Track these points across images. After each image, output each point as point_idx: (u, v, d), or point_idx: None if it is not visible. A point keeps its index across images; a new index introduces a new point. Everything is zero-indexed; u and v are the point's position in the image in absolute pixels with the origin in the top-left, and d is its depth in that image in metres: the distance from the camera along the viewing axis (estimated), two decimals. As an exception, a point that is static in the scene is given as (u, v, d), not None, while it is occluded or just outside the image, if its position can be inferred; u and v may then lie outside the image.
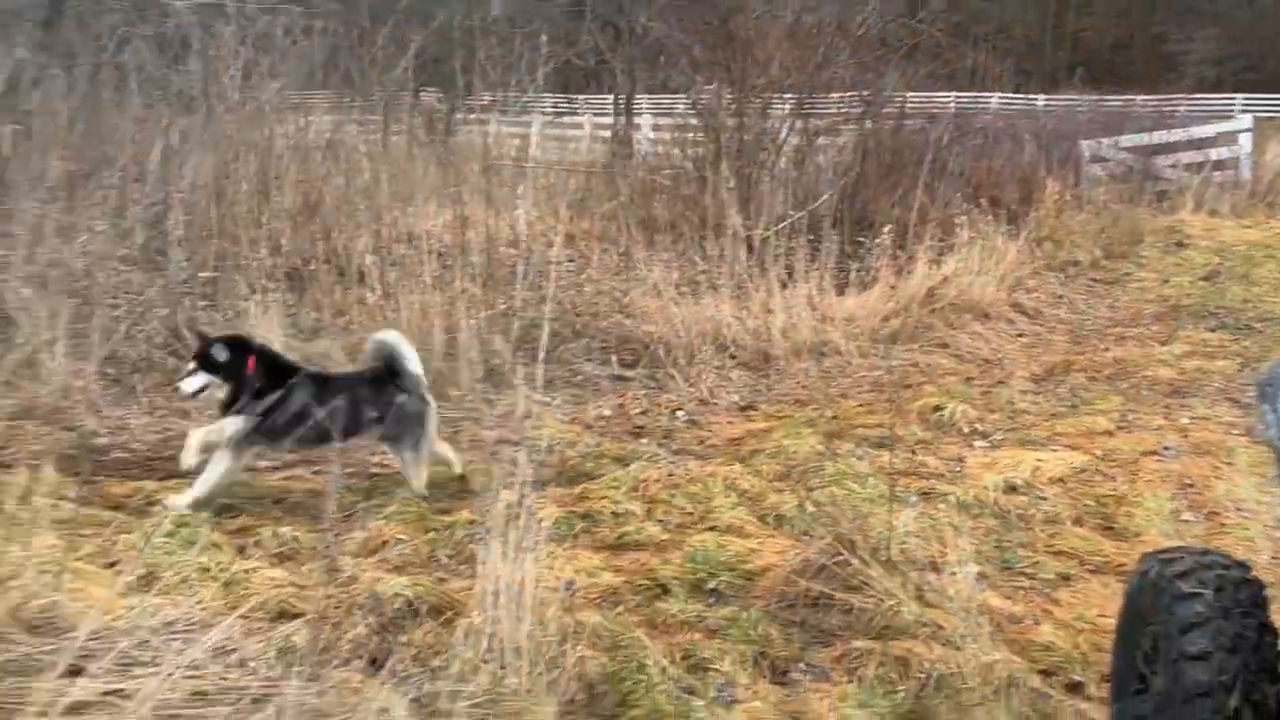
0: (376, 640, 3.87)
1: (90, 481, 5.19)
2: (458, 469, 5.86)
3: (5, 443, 5.63)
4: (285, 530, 4.82)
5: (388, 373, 5.70)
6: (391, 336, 5.93)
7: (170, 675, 3.24)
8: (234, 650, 3.59)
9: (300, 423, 5.16)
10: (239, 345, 5.57)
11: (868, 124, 12.41)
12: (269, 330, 7.04)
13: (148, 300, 7.25)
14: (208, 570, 4.34)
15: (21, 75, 9.28)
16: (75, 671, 3.23)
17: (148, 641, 3.53)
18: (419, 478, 5.55)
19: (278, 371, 5.55)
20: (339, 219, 9.12)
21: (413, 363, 5.72)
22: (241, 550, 4.61)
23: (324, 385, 5.59)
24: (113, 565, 4.40)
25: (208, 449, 5.16)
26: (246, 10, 10.24)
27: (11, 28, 10.49)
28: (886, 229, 9.68)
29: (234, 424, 5.23)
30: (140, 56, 10.56)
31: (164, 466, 5.59)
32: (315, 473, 5.62)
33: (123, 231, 7.79)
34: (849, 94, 12.71)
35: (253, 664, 3.57)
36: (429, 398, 5.76)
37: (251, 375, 5.34)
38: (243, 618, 3.82)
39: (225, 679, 3.41)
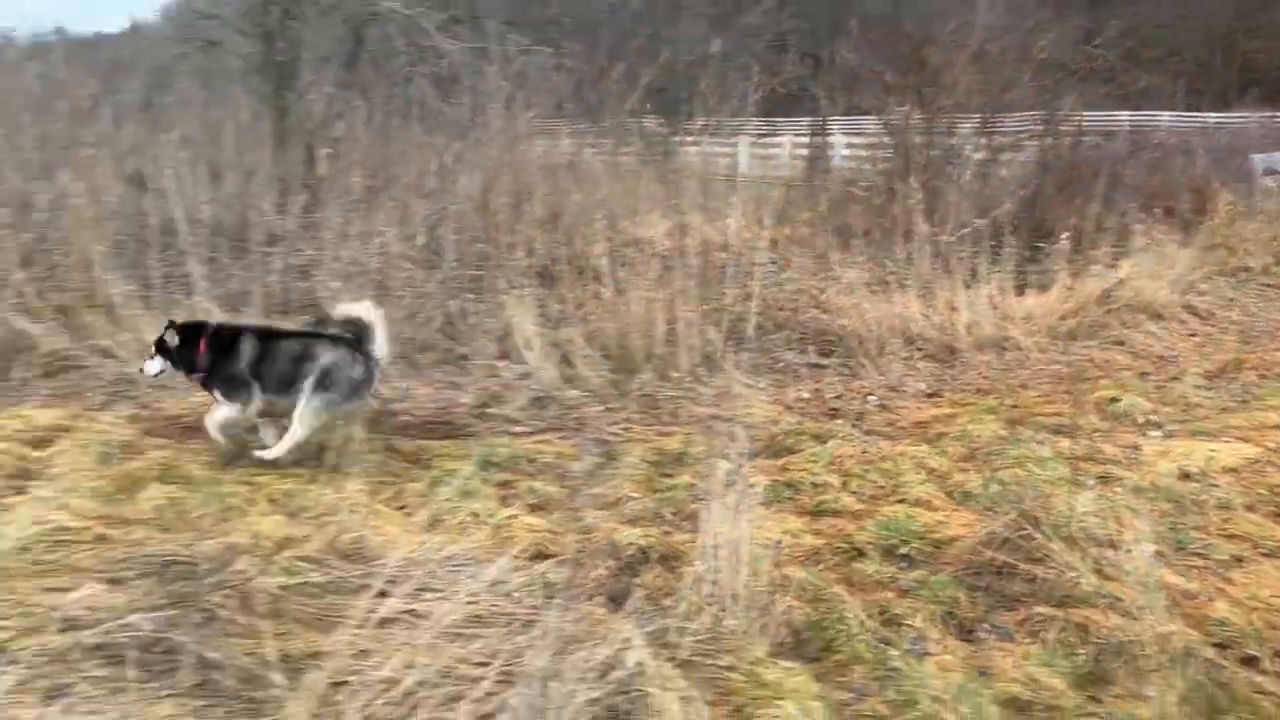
0: (615, 581, 3.99)
1: (385, 440, 5.52)
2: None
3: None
4: (539, 485, 5.00)
5: (356, 338, 5.41)
6: (361, 309, 5.57)
7: (458, 601, 3.45)
8: (502, 583, 3.76)
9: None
10: (192, 330, 5.40)
11: (1047, 141, 11.99)
12: (522, 318, 7.29)
13: (427, 293, 7.57)
14: (478, 516, 4.54)
15: (330, 108, 9.90)
16: (381, 594, 3.47)
17: (434, 572, 3.74)
18: (299, 427, 5.22)
19: (231, 342, 5.37)
20: (579, 227, 9.33)
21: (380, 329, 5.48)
22: (504, 500, 4.79)
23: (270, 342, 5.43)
24: (403, 509, 4.66)
25: (228, 428, 5.25)
26: (507, 52, 10.59)
27: (322, 69, 11.10)
28: (1064, 235, 9.32)
29: (223, 412, 5.23)
30: (421, 91, 11.10)
31: (442, 429, 5.87)
32: (562, 438, 5.79)
33: (407, 236, 8.17)
34: (1030, 113, 12.36)
35: (517, 595, 3.72)
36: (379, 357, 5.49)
37: (202, 355, 5.24)
38: (509, 556, 4.00)
39: (496, 606, 3.58)
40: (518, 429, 5.92)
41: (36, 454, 4.95)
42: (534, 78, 10.91)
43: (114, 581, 3.65)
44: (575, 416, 6.15)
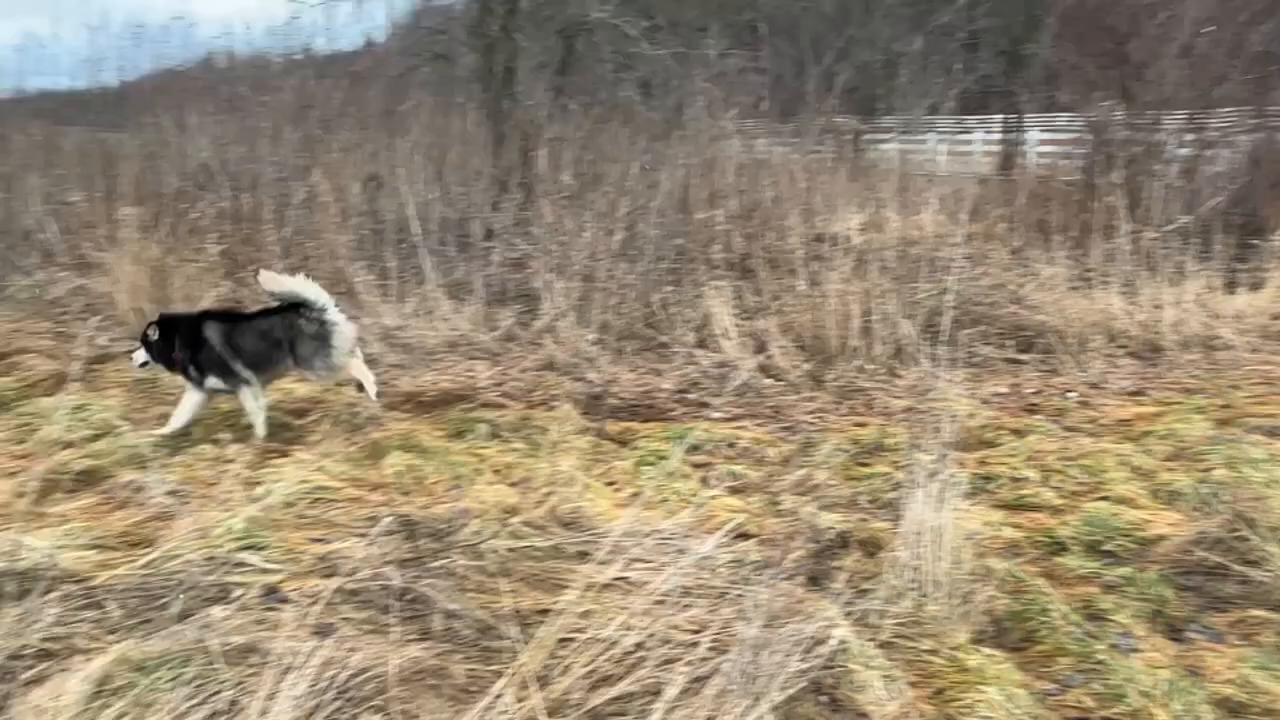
0: (815, 563, 3.98)
1: (594, 420, 5.68)
2: (371, 392, 5.48)
3: (533, 386, 6.25)
4: (738, 468, 5.03)
5: (292, 306, 5.38)
6: (288, 283, 5.46)
7: (668, 573, 3.52)
8: (709, 559, 3.81)
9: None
10: (168, 324, 5.45)
11: (1260, 136, 11.12)
12: (719, 309, 7.35)
13: (630, 285, 7.71)
14: (679, 494, 4.61)
15: (544, 112, 10.20)
16: (598, 561, 3.58)
17: (645, 545, 3.83)
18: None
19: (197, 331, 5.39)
20: (774, 221, 9.30)
21: (313, 293, 5.35)
22: (705, 481, 4.84)
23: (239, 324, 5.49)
24: (612, 484, 4.77)
25: (258, 410, 5.26)
26: (707, 56, 10.68)
27: (537, 77, 11.45)
28: (1278, 233, 8.63)
29: (249, 397, 5.30)
30: (627, 95, 11.32)
31: (645, 412, 5.96)
32: (758, 425, 5.80)
33: (610, 231, 8.32)
34: (1241, 108, 11.50)
35: (720, 570, 3.77)
36: (333, 318, 5.35)
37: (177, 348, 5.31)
38: (710, 533, 4.05)
39: (703, 580, 3.64)
40: (716, 414, 5.96)
41: (297, 422, 5.34)
42: (732, 79, 10.95)
43: (364, 536, 3.91)
44: (771, 404, 6.14)
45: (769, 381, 6.58)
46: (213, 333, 5.35)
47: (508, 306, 7.60)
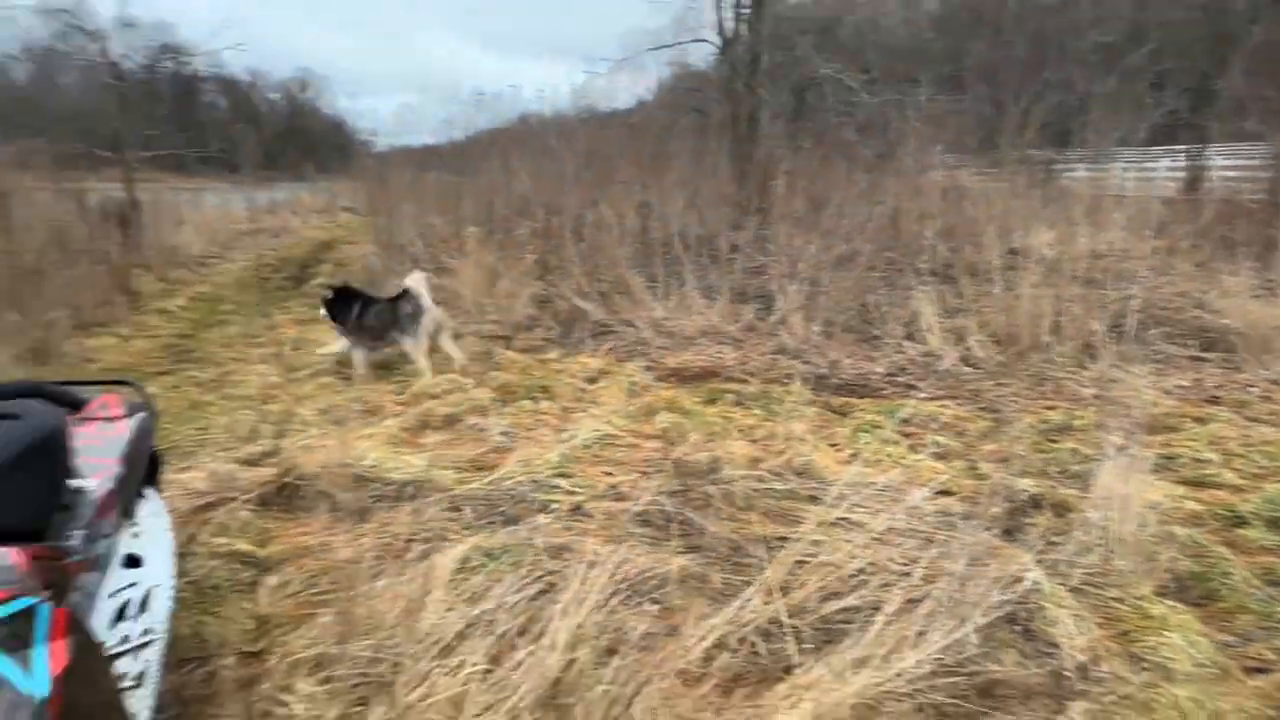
0: (1009, 518, 3.78)
1: (819, 395, 5.62)
2: (456, 364, 6.07)
3: (769, 367, 6.22)
4: (941, 439, 4.84)
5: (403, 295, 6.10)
6: (410, 279, 6.29)
7: (882, 517, 3.46)
8: (916, 508, 3.71)
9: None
10: (341, 292, 6.18)
11: None
12: (924, 308, 7.07)
13: (848, 289, 7.57)
14: (891, 456, 4.49)
15: (778, 151, 10.16)
16: (825, 504, 3.57)
17: (863, 493, 3.77)
18: (420, 360, 5.93)
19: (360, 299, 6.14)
20: (973, 237, 8.83)
21: (418, 286, 6.13)
22: (912, 448, 4.70)
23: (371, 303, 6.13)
24: (835, 446, 4.71)
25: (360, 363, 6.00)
26: (918, 101, 10.28)
27: (774, 122, 11.44)
28: None
29: (357, 354, 6.03)
30: (847, 135, 11.06)
31: (860, 390, 5.83)
32: (958, 404, 5.55)
33: (832, 246, 8.18)
34: None
35: (927, 518, 3.66)
36: (424, 306, 6.04)
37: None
38: (918, 488, 3.94)
39: (911, 525, 3.54)
40: (921, 394, 5.74)
41: (590, 386, 5.61)
42: (939, 119, 10.46)
43: (643, 473, 4.08)
44: (970, 388, 5.84)
45: (968, 369, 6.27)
46: (356, 306, 6.11)
47: (748, 304, 7.63)
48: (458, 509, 3.55)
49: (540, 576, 2.93)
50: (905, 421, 5.07)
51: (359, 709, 2.17)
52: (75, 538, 1.89)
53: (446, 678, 2.27)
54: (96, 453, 2.24)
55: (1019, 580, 2.96)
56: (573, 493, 3.79)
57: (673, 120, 14.22)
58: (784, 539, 3.29)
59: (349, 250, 11.70)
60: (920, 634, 2.69)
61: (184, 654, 2.52)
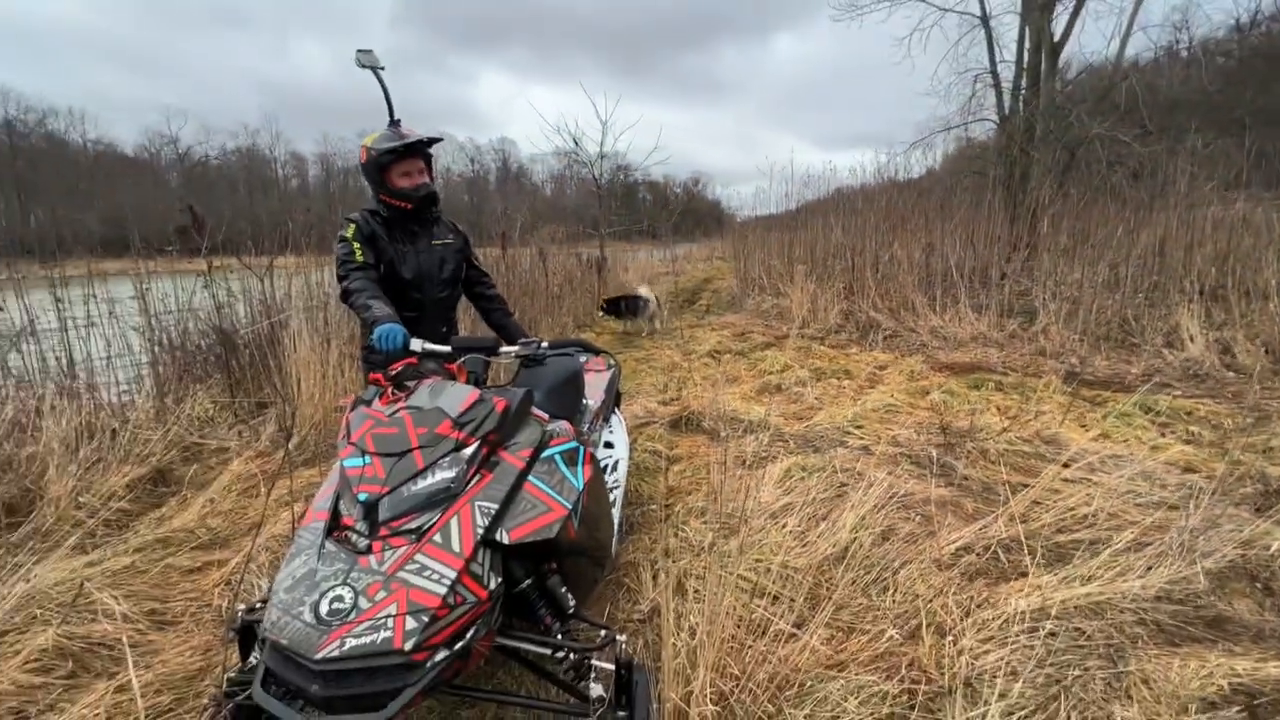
0: (1261, 499, 2.94)
1: (1072, 388, 4.78)
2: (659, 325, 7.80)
3: (1028, 364, 5.41)
4: (1194, 429, 3.86)
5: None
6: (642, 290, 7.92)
7: (1117, 478, 2.94)
8: (1156, 477, 3.06)
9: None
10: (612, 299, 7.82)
11: None
12: (1187, 320, 5.57)
13: (1107, 306, 6.24)
14: (1139, 439, 3.71)
15: (1047, 196, 8.58)
16: (1066, 465, 3.12)
17: (1103, 459, 3.21)
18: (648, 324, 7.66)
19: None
20: (1248, 261, 6.67)
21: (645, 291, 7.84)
22: (1162, 434, 3.82)
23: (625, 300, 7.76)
24: (1083, 427, 3.99)
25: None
26: (1193, 147, 7.96)
27: (1045, 177, 9.65)
28: None
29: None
30: (1117, 181, 8.95)
31: (1114, 385, 4.84)
32: (1216, 403, 4.33)
33: (1095, 272, 6.76)
34: None
35: (1169, 487, 3.00)
36: (647, 296, 7.76)
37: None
38: (1163, 464, 3.23)
39: (1148, 490, 2.95)
40: (1177, 392, 4.59)
41: (880, 372, 5.38)
42: (1213, 160, 7.99)
43: (915, 431, 3.88)
44: (1231, 390, 4.52)
45: (1230, 374, 4.85)
46: (619, 303, 7.77)
47: (1013, 318, 6.65)
48: (784, 440, 3.73)
49: (837, 486, 3.00)
50: (1158, 414, 4.12)
51: (724, 537, 2.48)
52: (585, 426, 2.44)
53: (774, 532, 2.49)
54: (593, 387, 2.83)
55: (1266, 547, 2.34)
56: (861, 438, 3.76)
57: (955, 181, 12.66)
58: (1026, 485, 2.96)
59: (719, 282, 12.36)
60: (1148, 569, 2.28)
61: (630, 499, 3.05)
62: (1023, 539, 2.49)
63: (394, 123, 2.24)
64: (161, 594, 2.22)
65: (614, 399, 3.07)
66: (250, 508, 2.88)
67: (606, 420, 2.86)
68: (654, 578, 2.31)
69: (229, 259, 4.59)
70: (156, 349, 3.86)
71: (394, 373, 1.63)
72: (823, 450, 3.51)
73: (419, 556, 1.30)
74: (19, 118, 41.30)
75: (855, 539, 2.48)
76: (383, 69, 2.15)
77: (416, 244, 2.34)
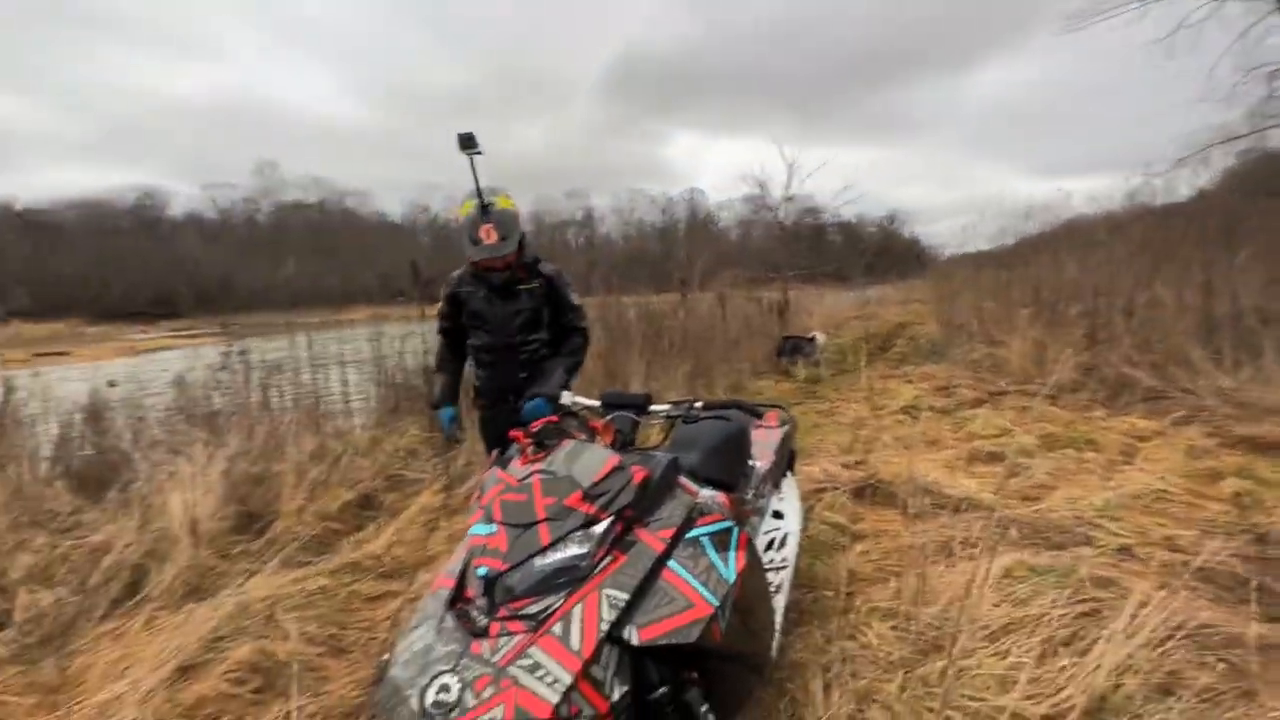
0: None
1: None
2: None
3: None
4: None
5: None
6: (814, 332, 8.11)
7: None
8: None
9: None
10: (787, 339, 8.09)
11: None
12: None
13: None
14: None
15: None
16: None
17: None
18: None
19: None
20: None
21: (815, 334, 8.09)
22: None
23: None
24: None
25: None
26: None
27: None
28: None
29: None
30: None
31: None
32: None
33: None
34: None
35: None
36: (818, 342, 7.93)
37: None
38: None
39: None
40: None
41: (1140, 445, 4.22)
42: None
43: (1204, 532, 2.89)
44: None
45: None
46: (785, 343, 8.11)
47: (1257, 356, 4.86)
48: (1004, 527, 3.02)
49: (1085, 600, 2.28)
50: None
51: (918, 656, 1.98)
52: (749, 493, 2.15)
53: (993, 659, 1.92)
54: (762, 446, 2.52)
55: None
56: (1118, 535, 2.88)
57: (1246, 202, 9.98)
58: None
59: (917, 329, 11.11)
60: None
61: (800, 581, 2.64)
62: None
63: (483, 206, 2.32)
64: (343, 619, 2.38)
65: (787, 460, 2.73)
66: (429, 541, 3.04)
67: (777, 485, 2.53)
68: (826, 689, 1.90)
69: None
70: (378, 386, 4.42)
71: (535, 430, 1.54)
72: (1062, 547, 2.74)
73: (533, 650, 1.14)
74: (328, 198, 53.86)
75: (1119, 686, 1.81)
76: (480, 153, 2.26)
77: (495, 295, 2.46)
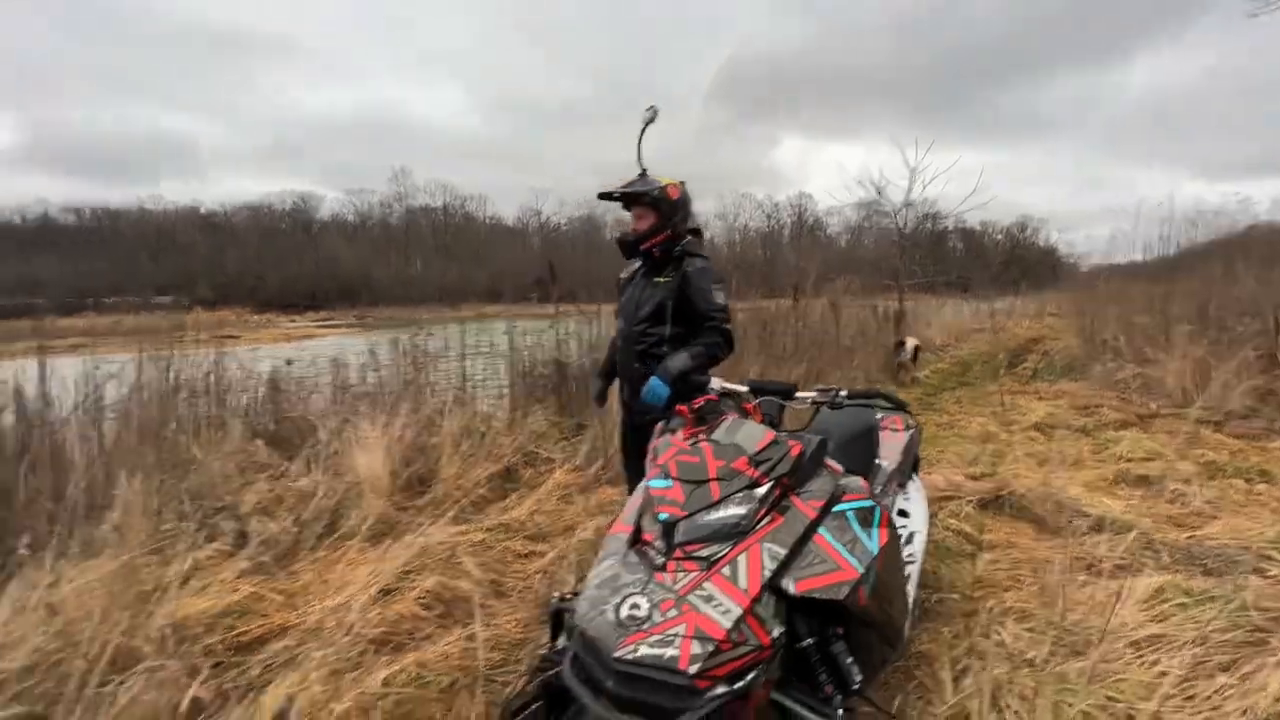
0: None
1: None
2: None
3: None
4: None
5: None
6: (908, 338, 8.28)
7: None
8: None
9: None
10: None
11: None
12: None
13: None
14: None
15: None
16: None
17: None
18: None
19: None
20: None
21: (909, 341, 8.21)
22: None
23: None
24: None
25: None
26: None
27: None
28: None
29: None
30: None
31: None
32: None
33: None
34: None
35: None
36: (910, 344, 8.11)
37: None
38: None
39: None
40: None
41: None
42: None
43: None
44: None
45: None
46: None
47: None
48: (1154, 550, 2.85)
49: (1247, 628, 2.15)
50: None
51: (1052, 656, 1.98)
52: (877, 489, 2.22)
53: (1140, 667, 1.89)
54: (888, 446, 2.58)
55: None
56: (1294, 569, 2.63)
57: None
58: None
59: (1051, 344, 10.25)
60: None
61: (925, 582, 2.66)
62: None
63: (641, 173, 2.41)
64: (501, 568, 2.73)
65: (912, 463, 2.76)
66: (566, 512, 3.37)
67: (902, 486, 2.57)
68: (955, 680, 1.95)
69: (569, 306, 5.64)
70: (513, 375, 4.88)
71: (697, 406, 1.75)
72: (1221, 574, 2.56)
73: (707, 584, 1.34)
74: (449, 203, 58.17)
75: (1286, 714, 1.72)
76: (651, 121, 2.39)
77: (635, 280, 2.49)
